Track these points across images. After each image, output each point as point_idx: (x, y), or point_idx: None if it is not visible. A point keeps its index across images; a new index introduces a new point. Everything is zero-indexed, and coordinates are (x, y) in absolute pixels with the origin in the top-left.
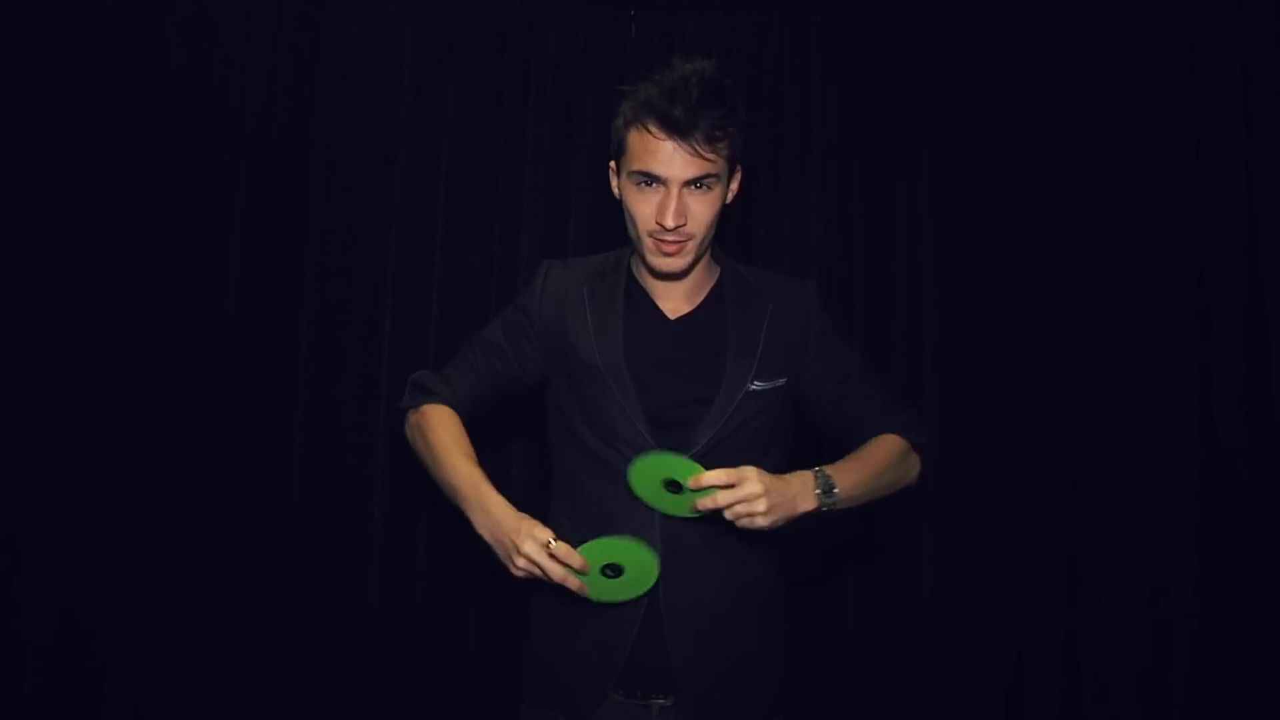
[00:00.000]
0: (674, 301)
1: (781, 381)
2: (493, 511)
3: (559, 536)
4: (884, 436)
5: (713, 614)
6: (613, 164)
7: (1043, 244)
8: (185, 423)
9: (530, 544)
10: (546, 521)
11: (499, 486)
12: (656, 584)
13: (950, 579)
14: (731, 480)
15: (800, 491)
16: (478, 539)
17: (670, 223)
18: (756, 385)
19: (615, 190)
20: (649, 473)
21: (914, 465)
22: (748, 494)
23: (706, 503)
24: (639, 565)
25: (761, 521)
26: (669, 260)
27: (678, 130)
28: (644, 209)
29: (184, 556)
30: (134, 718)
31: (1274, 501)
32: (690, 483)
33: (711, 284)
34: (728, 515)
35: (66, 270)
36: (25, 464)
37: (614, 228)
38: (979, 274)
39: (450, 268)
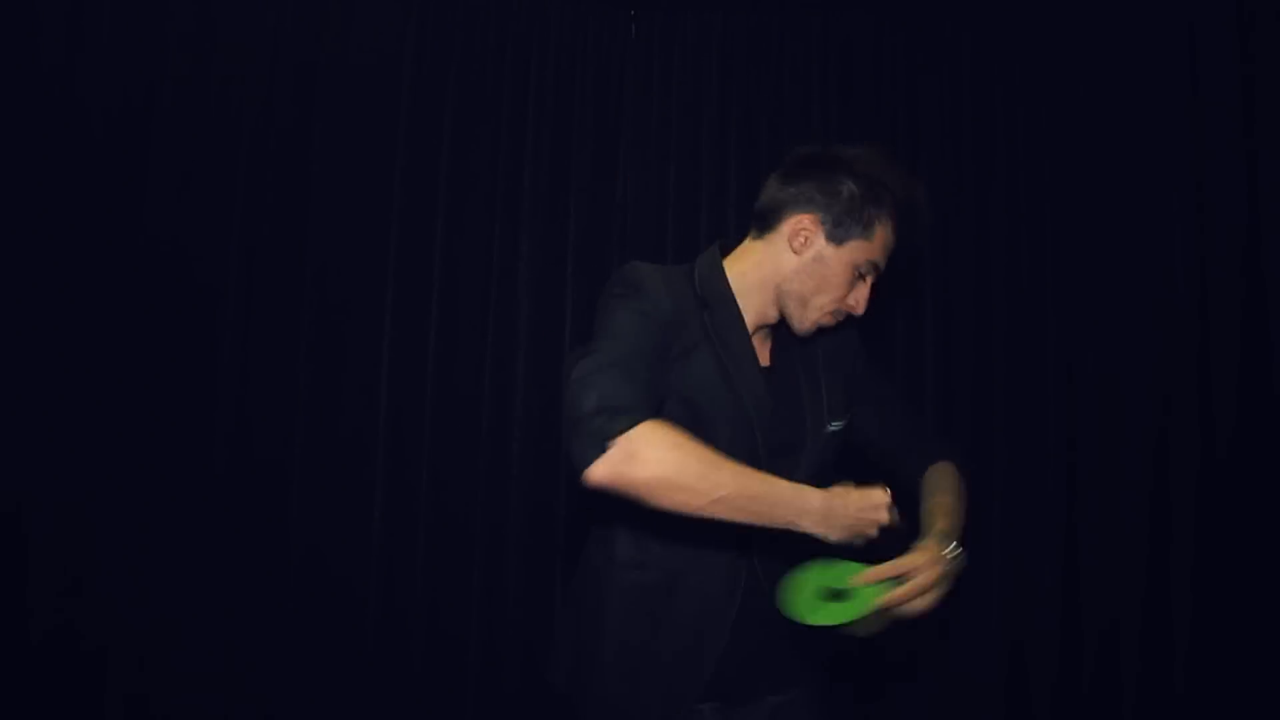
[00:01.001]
0: (760, 344)
1: (847, 419)
2: (818, 504)
3: (628, 551)
4: (947, 466)
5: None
6: (816, 220)
7: (1043, 244)
8: (185, 424)
9: (885, 514)
10: (600, 529)
11: (500, 480)
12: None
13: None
14: (902, 570)
15: (941, 561)
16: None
17: (862, 311)
18: (834, 426)
19: (804, 245)
20: (803, 588)
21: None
22: (925, 582)
23: (886, 599)
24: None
25: (923, 606)
26: (818, 330)
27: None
28: (844, 290)
29: (183, 557)
30: (133, 710)
31: (1271, 502)
32: (854, 580)
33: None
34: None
35: (66, 270)
36: (26, 466)
37: (613, 228)
38: (979, 274)
39: (450, 268)
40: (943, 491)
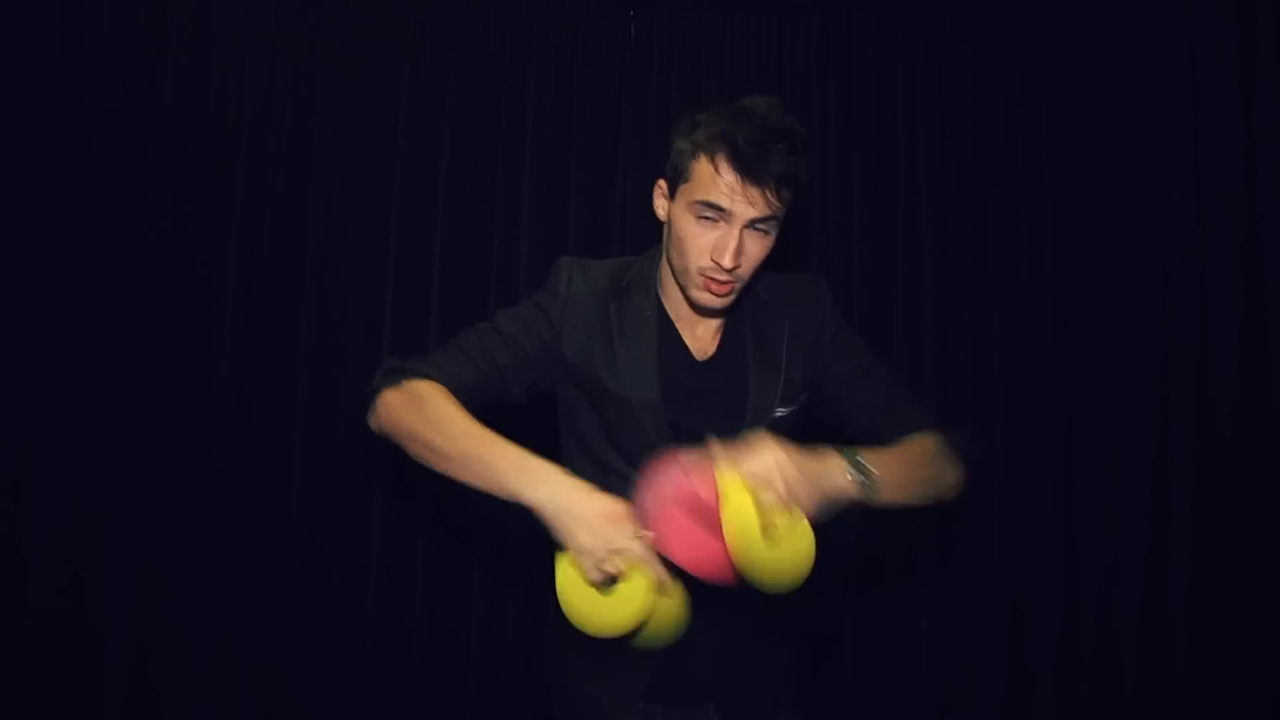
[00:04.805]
0: (701, 332)
1: (804, 398)
2: (547, 491)
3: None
4: (926, 437)
5: (730, 623)
6: (663, 184)
7: (1043, 244)
8: (185, 424)
9: (624, 540)
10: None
11: (495, 506)
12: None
13: (949, 578)
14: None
15: (829, 471)
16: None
17: (729, 263)
18: (780, 412)
19: (661, 212)
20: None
21: (950, 471)
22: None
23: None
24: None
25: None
26: (714, 299)
27: (752, 171)
28: (701, 243)
29: (183, 557)
30: (133, 709)
31: (1270, 504)
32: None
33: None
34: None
35: (66, 268)
36: (26, 464)
37: (613, 228)
38: (979, 274)
39: (450, 268)
40: (895, 445)
